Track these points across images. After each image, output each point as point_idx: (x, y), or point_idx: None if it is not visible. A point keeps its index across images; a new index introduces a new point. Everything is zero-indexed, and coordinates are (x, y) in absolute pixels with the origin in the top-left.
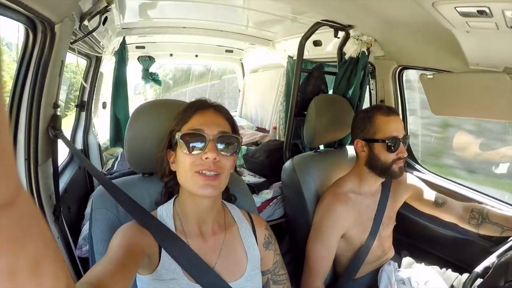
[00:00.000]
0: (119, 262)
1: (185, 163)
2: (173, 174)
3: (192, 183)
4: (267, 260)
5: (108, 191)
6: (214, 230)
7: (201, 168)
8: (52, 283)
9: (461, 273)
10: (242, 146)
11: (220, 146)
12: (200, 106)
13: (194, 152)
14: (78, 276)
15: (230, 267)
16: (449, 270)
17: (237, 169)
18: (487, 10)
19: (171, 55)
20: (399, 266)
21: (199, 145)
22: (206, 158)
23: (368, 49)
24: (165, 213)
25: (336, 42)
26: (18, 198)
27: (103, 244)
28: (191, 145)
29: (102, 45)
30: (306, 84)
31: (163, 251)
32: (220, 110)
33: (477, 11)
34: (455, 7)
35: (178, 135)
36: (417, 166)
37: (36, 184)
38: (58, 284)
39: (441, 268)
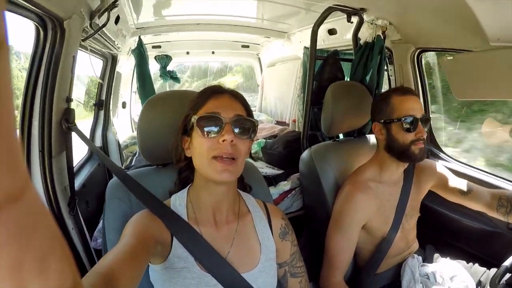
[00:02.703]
0: (130, 251)
1: (201, 148)
2: (188, 160)
3: (209, 168)
4: (284, 251)
5: (121, 180)
6: (228, 219)
7: (218, 152)
8: (58, 280)
9: (489, 268)
10: (260, 140)
11: (236, 130)
12: (216, 90)
13: (211, 136)
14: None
15: (243, 257)
16: (476, 264)
17: (252, 155)
18: None
19: (187, 53)
20: (424, 260)
21: (215, 128)
22: (223, 140)
23: (383, 33)
24: (178, 201)
25: (351, 30)
26: (25, 193)
27: (115, 234)
28: (207, 128)
29: (117, 44)
30: (322, 71)
31: (175, 239)
32: (235, 95)
33: None
34: None
35: (194, 119)
36: (441, 155)
37: (50, 175)
38: (64, 281)
39: (468, 263)
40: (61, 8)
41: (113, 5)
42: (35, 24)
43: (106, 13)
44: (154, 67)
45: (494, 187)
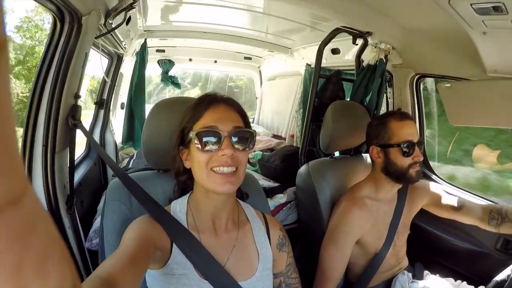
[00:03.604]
0: (130, 257)
1: (200, 161)
2: (187, 171)
3: (209, 181)
4: (280, 262)
5: (123, 183)
6: (227, 227)
7: (218, 164)
8: (58, 282)
9: (476, 287)
10: (257, 152)
11: (235, 141)
12: (212, 101)
13: (210, 149)
14: (86, 267)
15: (241, 265)
16: (464, 282)
17: (250, 161)
18: (502, 6)
19: (190, 60)
20: (413, 277)
21: (214, 142)
22: (223, 155)
23: (386, 56)
24: (178, 208)
25: (354, 51)
26: (25, 195)
27: (114, 236)
28: (206, 142)
29: (124, 45)
30: (324, 89)
31: (174, 245)
32: (232, 104)
33: (492, 7)
34: (470, 4)
35: (192, 134)
36: (433, 177)
37: (52, 172)
38: (64, 283)
39: (455, 281)
40: (82, 4)
41: (131, 6)
42: (53, 16)
43: (122, 13)
44: (157, 71)
45: None
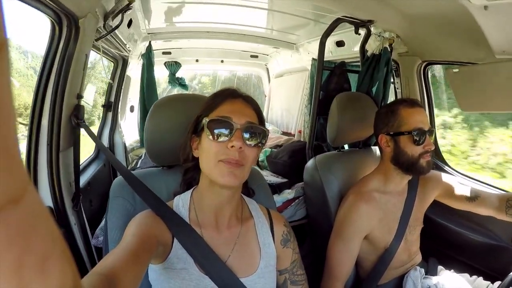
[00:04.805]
0: (132, 252)
1: (209, 151)
2: (195, 160)
3: (215, 171)
4: (285, 258)
5: (125, 179)
6: (230, 224)
7: (225, 158)
8: (59, 280)
9: (492, 282)
10: (266, 149)
11: (246, 136)
12: (230, 95)
13: (220, 140)
14: (93, 264)
15: (243, 262)
16: (480, 278)
17: (259, 163)
18: None
19: (197, 60)
20: (426, 273)
21: (225, 132)
22: (232, 146)
23: (390, 45)
24: (181, 202)
25: (359, 42)
26: (26, 194)
27: (117, 232)
28: (217, 132)
29: (128, 48)
30: (329, 82)
31: (175, 240)
32: (249, 101)
33: None
34: None
35: (205, 120)
36: (446, 168)
37: (57, 170)
38: (65, 282)
39: (471, 276)
40: (78, 7)
41: (127, 7)
42: (50, 20)
43: (119, 15)
44: (164, 74)
45: None
